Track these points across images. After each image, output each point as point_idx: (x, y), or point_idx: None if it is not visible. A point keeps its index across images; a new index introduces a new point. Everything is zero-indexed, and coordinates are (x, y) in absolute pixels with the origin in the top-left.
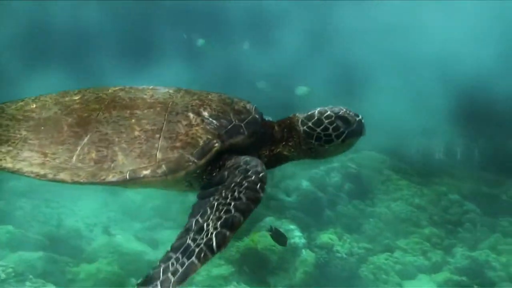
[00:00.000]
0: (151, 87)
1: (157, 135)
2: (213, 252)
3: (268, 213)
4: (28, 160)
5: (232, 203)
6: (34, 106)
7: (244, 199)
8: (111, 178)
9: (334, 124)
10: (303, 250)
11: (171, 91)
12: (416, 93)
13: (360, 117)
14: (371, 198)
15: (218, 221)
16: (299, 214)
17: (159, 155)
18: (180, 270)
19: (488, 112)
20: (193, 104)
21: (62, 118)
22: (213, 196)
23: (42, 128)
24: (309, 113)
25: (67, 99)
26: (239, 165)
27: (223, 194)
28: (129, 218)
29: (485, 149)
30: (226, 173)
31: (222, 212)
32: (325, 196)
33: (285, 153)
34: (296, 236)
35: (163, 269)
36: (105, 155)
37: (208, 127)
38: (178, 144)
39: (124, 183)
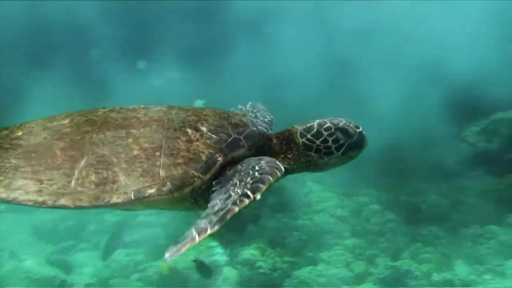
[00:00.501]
0: (142, 106)
1: (158, 153)
2: (248, 197)
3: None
4: (23, 188)
5: (256, 173)
6: (20, 133)
7: (267, 168)
8: (115, 199)
9: (334, 136)
10: (225, 268)
11: (164, 108)
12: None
13: (360, 128)
14: (294, 210)
15: (247, 183)
16: (221, 230)
17: (162, 173)
18: (215, 218)
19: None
20: (190, 120)
21: (54, 143)
22: (231, 180)
23: (33, 154)
24: (308, 124)
25: (55, 123)
26: (249, 160)
27: (243, 174)
28: (41, 240)
29: (404, 158)
30: (239, 166)
31: (249, 179)
32: (248, 210)
33: (284, 165)
34: (218, 253)
35: (194, 228)
36: (106, 176)
37: (208, 142)
38: (180, 160)
39: (129, 204)
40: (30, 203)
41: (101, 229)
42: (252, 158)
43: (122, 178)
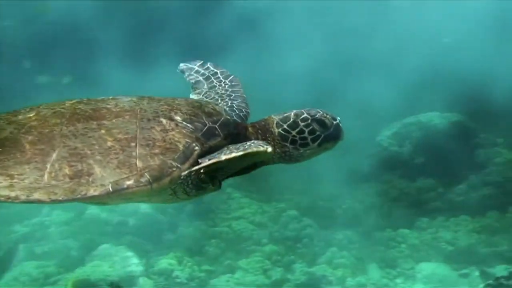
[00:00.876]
0: (111, 97)
1: (133, 144)
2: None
3: (103, 239)
4: None
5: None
6: None
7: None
8: (92, 192)
9: (310, 127)
10: (140, 278)
11: (134, 99)
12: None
13: (337, 120)
14: (212, 218)
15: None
16: (137, 240)
17: (139, 164)
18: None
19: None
20: (163, 109)
21: (21, 137)
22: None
23: (1, 149)
24: (284, 115)
25: (20, 117)
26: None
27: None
28: None
29: (321, 162)
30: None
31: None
32: (165, 218)
33: None
34: (133, 263)
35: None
36: (80, 169)
37: (184, 131)
38: (157, 150)
39: (107, 197)
40: (2, 198)
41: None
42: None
43: (97, 170)
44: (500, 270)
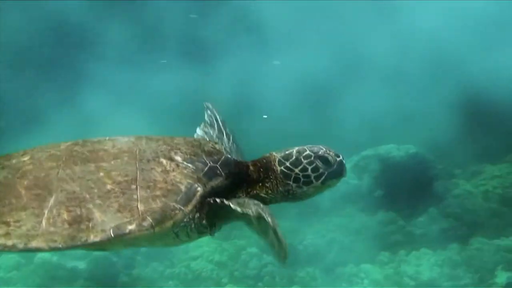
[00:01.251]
0: (107, 138)
1: (133, 186)
2: None
3: (54, 283)
4: None
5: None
6: None
7: None
8: (92, 238)
9: (313, 165)
10: None
11: (132, 139)
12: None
13: (340, 157)
14: (170, 258)
15: None
16: (90, 284)
17: (141, 207)
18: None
19: None
20: (162, 149)
21: (16, 182)
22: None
23: None
24: (287, 152)
25: (14, 161)
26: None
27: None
28: None
29: None
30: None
31: None
32: (120, 260)
33: (262, 195)
34: None
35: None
36: (79, 214)
37: (185, 171)
38: (158, 192)
39: (108, 242)
40: None
41: None
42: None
43: (97, 215)
44: None
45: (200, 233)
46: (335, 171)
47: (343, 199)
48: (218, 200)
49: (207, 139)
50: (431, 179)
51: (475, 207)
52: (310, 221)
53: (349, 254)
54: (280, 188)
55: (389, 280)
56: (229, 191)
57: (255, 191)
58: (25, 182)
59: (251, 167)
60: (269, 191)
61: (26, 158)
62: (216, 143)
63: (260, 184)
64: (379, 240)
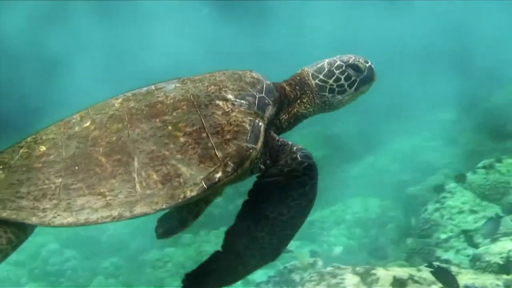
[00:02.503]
0: (153, 87)
1: (204, 134)
2: (266, 263)
3: None
4: (88, 206)
5: (289, 221)
6: (44, 148)
7: (299, 217)
8: (189, 193)
9: (346, 74)
10: None
11: (177, 84)
12: None
13: (370, 63)
14: None
15: (274, 236)
16: None
17: (219, 154)
18: (226, 279)
19: None
20: (212, 91)
21: (92, 151)
22: (268, 204)
23: (76, 168)
24: (318, 65)
25: (77, 129)
26: (297, 174)
27: (279, 208)
28: None
29: None
30: (284, 185)
31: (277, 228)
32: None
33: (302, 111)
34: None
35: (214, 272)
36: (167, 172)
37: (242, 109)
38: (228, 136)
39: (203, 194)
40: (107, 219)
41: None
42: (294, 166)
43: (183, 169)
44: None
45: (266, 166)
46: (367, 77)
47: None
48: (279, 140)
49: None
50: None
51: None
52: None
53: (153, 240)
54: (317, 101)
55: (191, 261)
56: (275, 116)
57: (295, 109)
58: (101, 150)
59: (287, 87)
60: (308, 106)
61: (87, 124)
62: (251, 71)
63: (299, 101)
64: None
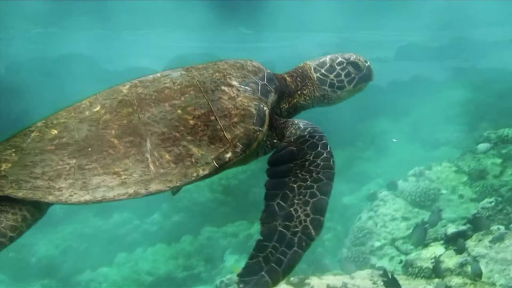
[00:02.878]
0: (158, 74)
1: (212, 117)
2: (312, 239)
3: None
4: (104, 185)
5: (315, 186)
6: (56, 131)
7: (324, 179)
8: (202, 172)
9: (346, 70)
10: None
11: (183, 72)
12: None
13: (368, 63)
14: None
15: (307, 206)
16: None
17: (228, 136)
18: (284, 259)
19: None
20: (217, 77)
21: (104, 133)
22: (289, 177)
23: (89, 149)
24: (320, 60)
25: (88, 113)
26: (304, 138)
27: (300, 176)
28: None
29: None
30: (294, 149)
31: (307, 196)
32: None
33: (301, 102)
34: None
35: (263, 259)
36: (179, 153)
37: (247, 95)
38: (235, 119)
39: (215, 173)
40: (123, 197)
41: None
42: (308, 138)
43: (195, 150)
44: None
45: (273, 147)
46: (365, 75)
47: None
48: (282, 119)
49: (245, 59)
50: None
51: (203, 199)
52: (42, 232)
53: (85, 260)
54: (317, 94)
55: (127, 280)
56: (276, 104)
57: (295, 100)
58: (113, 132)
59: (288, 78)
60: (307, 97)
61: (97, 108)
62: (252, 60)
63: (299, 92)
64: (116, 242)
